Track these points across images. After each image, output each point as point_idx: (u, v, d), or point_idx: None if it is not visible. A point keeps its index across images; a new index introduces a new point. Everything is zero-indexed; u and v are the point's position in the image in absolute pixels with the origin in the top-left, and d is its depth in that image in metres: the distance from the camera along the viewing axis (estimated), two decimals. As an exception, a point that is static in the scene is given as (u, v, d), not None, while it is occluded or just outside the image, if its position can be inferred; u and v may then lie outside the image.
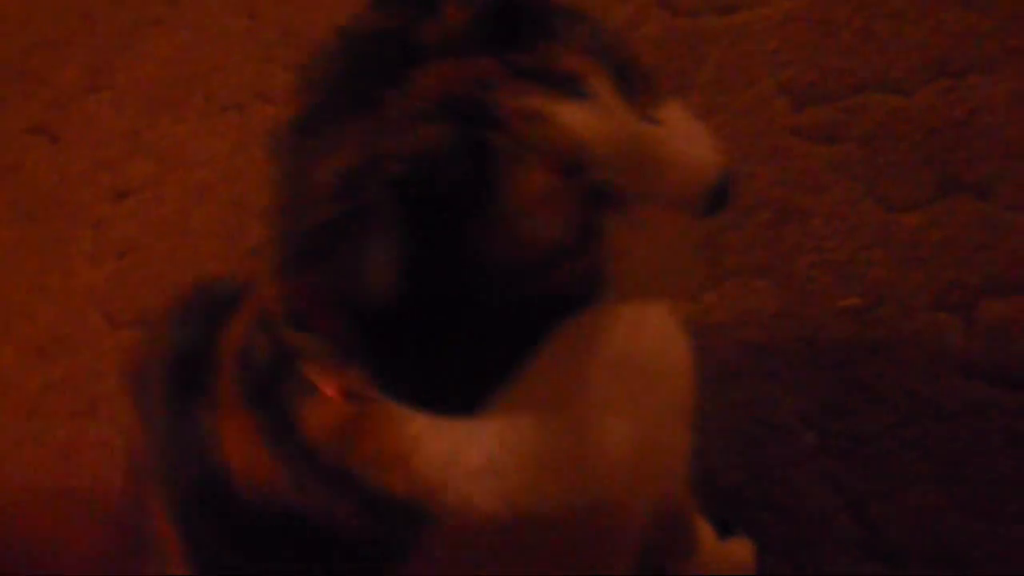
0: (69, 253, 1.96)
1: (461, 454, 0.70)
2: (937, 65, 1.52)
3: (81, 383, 1.70)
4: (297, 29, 2.17)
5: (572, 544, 0.77)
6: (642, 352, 0.77)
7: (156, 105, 2.20)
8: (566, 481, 0.72)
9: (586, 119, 0.56)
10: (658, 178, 0.59)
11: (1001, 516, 1.12)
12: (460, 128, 0.55)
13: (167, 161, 2.05)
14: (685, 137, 0.61)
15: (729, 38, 1.70)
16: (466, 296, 0.55)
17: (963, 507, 1.13)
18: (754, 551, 1.16)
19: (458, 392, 0.59)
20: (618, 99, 0.59)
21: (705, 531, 1.15)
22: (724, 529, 1.17)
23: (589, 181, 0.56)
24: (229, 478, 0.78)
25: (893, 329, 1.28)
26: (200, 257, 1.83)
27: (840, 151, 1.48)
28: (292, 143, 0.61)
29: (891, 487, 1.17)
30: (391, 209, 0.53)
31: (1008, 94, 1.40)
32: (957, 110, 1.46)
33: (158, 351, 0.90)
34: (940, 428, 1.18)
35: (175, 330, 0.91)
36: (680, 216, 0.61)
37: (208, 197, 1.90)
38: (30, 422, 1.67)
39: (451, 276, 0.55)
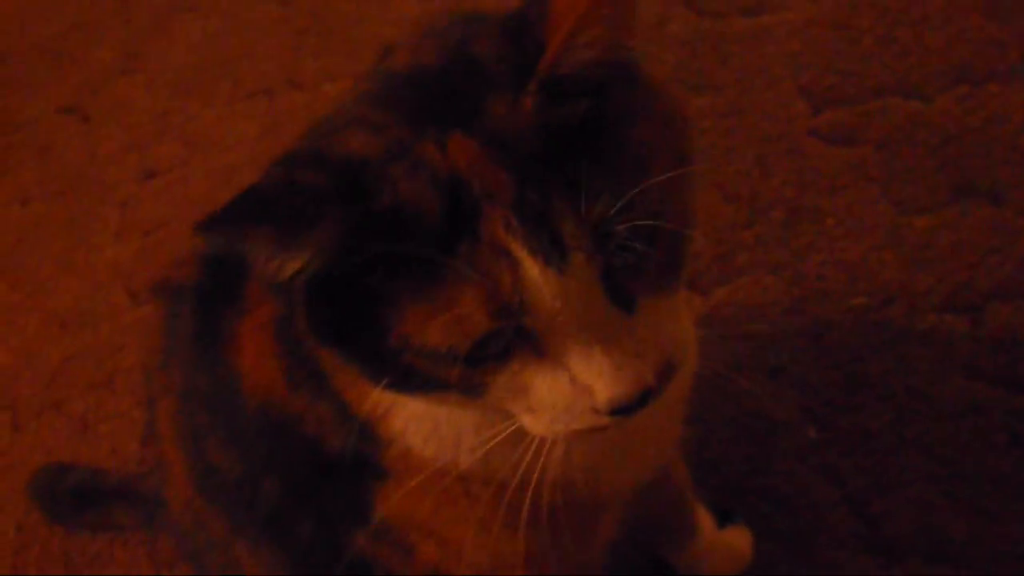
0: (96, 230, 2.00)
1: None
2: (957, 72, 1.53)
3: (101, 356, 1.73)
4: (327, 18, 2.20)
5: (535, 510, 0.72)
6: None
7: (186, 89, 2.24)
8: (509, 453, 0.69)
9: (545, 283, 0.56)
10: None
11: (1000, 515, 1.12)
12: (449, 202, 0.56)
13: (195, 144, 2.09)
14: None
15: (753, 40, 1.72)
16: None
17: (962, 505, 1.14)
18: (752, 541, 1.17)
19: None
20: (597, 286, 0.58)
21: (705, 520, 1.16)
22: (725, 519, 1.18)
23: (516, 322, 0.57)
24: (239, 384, 0.79)
25: (900, 329, 1.29)
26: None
27: (856, 153, 1.49)
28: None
29: (891, 483, 1.17)
30: (343, 213, 0.57)
31: (1026, 103, 1.41)
32: (974, 117, 1.47)
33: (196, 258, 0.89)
34: (942, 427, 1.19)
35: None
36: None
37: (234, 180, 1.93)
38: (49, 391, 1.70)
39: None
